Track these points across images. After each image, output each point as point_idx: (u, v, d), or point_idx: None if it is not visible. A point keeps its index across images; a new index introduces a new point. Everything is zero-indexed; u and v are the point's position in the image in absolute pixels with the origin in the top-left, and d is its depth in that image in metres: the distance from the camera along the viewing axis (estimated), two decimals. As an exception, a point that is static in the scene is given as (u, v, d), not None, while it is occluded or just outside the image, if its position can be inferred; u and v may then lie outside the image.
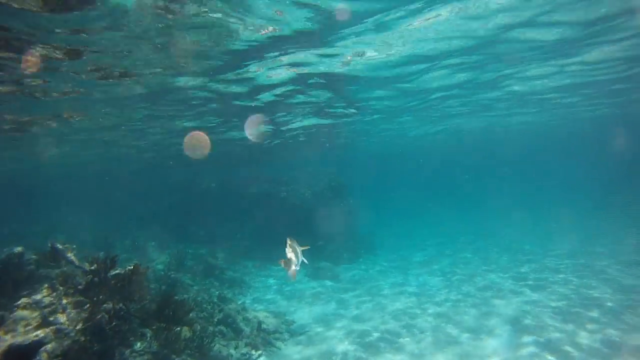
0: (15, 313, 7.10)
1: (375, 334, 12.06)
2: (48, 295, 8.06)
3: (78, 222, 26.63)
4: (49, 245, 8.82)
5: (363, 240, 26.13)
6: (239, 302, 15.48)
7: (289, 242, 5.95)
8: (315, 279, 18.94)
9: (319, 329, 12.80)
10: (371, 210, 41.80)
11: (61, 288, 8.03)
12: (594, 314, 12.10)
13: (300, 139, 24.77)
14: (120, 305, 7.59)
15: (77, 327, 6.98)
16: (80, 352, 6.69)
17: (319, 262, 20.15)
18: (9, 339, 6.61)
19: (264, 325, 12.35)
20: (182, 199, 26.13)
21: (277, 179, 24.30)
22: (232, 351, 11.10)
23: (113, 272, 8.32)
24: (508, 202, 43.23)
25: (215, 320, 12.31)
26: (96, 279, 7.58)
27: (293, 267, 5.81)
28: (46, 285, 8.38)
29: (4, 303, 7.88)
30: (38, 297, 8.01)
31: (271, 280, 19.20)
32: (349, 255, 22.43)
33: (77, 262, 8.70)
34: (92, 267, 7.69)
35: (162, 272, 17.14)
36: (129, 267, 8.13)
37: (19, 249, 11.40)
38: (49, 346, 6.58)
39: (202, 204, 25.50)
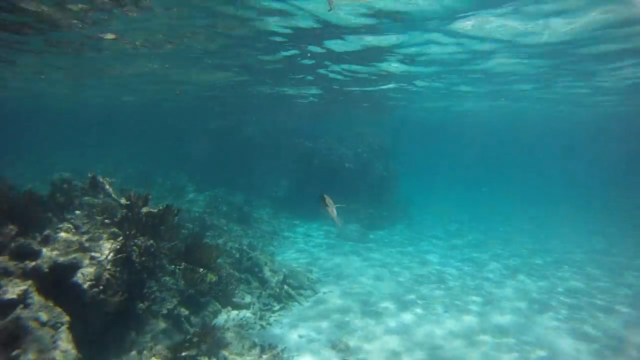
0: (59, 235, 7.45)
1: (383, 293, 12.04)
2: (87, 223, 8.41)
3: (126, 157, 27.70)
4: (89, 176, 9.12)
5: (401, 208, 25.79)
6: (268, 253, 15.80)
7: (325, 197, 7.39)
8: (347, 240, 18.96)
9: (340, 288, 12.89)
10: (420, 182, 41.16)
11: (98, 218, 8.32)
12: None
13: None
14: (150, 242, 7.79)
15: (109, 257, 7.25)
16: (111, 280, 6.97)
17: (351, 224, 20.12)
18: (54, 256, 6.96)
19: (289, 279, 12.54)
20: (224, 144, 26.49)
21: (320, 136, 24.06)
22: (255, 300, 11.39)
23: (145, 210, 8.51)
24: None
25: (243, 267, 12.61)
26: (130, 213, 7.77)
27: (335, 213, 7.27)
28: (86, 213, 8.73)
29: (51, 222, 8.32)
30: (79, 223, 8.37)
31: (302, 235, 19.41)
32: (384, 221, 22.24)
33: (114, 195, 8.96)
34: (127, 202, 7.88)
35: (197, 214, 17.64)
36: (160, 207, 8.28)
37: (67, 174, 11.97)
38: (85, 270, 6.88)
39: (243, 152, 25.79)
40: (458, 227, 24.59)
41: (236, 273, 12.07)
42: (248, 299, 11.28)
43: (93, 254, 7.25)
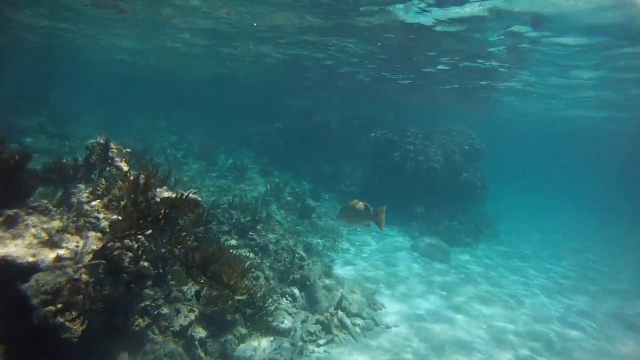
0: (29, 218, 5.32)
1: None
2: (90, 202, 6.27)
3: (194, 129, 26.45)
4: (100, 141, 6.94)
5: (488, 221, 21.93)
6: (326, 261, 13.14)
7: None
8: (424, 257, 15.73)
9: (411, 323, 9.85)
10: (508, 190, 36.21)
11: (96, 202, 6.12)
12: None
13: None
14: (152, 245, 5.42)
15: (86, 259, 4.98)
16: (76, 295, 4.68)
17: (430, 237, 16.82)
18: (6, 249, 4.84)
19: (345, 303, 9.79)
20: (297, 127, 24.15)
21: (407, 129, 20.78)
22: (298, 325, 8.78)
23: (162, 195, 6.16)
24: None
25: (291, 279, 10.06)
26: (133, 196, 5.43)
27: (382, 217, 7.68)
28: (90, 190, 6.59)
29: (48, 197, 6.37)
30: (71, 202, 6.26)
31: (370, 240, 16.46)
32: (468, 237, 18.63)
33: (125, 168, 6.73)
34: (132, 181, 5.54)
35: (254, 200, 15.44)
36: (181, 193, 5.87)
37: (102, 140, 10.11)
38: (41, 277, 4.66)
39: (316, 137, 23.28)
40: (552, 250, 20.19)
41: (280, 287, 9.54)
42: (289, 322, 8.70)
43: (62, 252, 5.01)
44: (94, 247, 5.15)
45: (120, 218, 5.27)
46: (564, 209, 38.08)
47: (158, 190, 6.37)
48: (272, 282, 9.43)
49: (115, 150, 6.64)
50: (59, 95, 26.74)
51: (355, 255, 14.52)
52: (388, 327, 9.78)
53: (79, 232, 5.47)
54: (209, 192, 16.23)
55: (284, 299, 9.40)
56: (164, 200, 5.89)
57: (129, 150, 8.90)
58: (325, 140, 23.70)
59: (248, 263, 6.57)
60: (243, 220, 11.76)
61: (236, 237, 10.77)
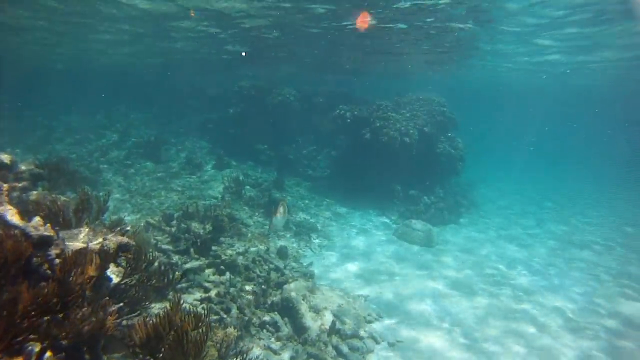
0: None
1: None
2: None
3: (139, 122, 23.56)
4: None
5: (468, 194, 20.89)
6: (305, 264, 11.37)
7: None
8: (412, 243, 14.25)
9: (408, 349, 8.31)
10: (485, 158, 35.37)
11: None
12: None
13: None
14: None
15: None
16: None
17: (410, 219, 15.36)
18: None
19: (338, 324, 8.08)
20: (251, 110, 21.83)
21: (372, 104, 18.98)
22: (286, 363, 7.00)
23: (73, 246, 4.13)
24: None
25: (269, 302, 8.21)
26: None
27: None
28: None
29: None
30: None
31: (353, 233, 14.74)
32: (449, 214, 17.37)
33: (10, 215, 4.56)
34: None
35: (214, 202, 13.37)
36: (99, 241, 3.83)
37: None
38: None
39: (273, 120, 21.08)
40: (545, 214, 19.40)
41: (256, 316, 7.69)
42: (274, 363, 6.91)
43: None
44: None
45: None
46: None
47: (69, 233, 4.29)
48: (246, 311, 7.55)
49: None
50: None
51: (338, 252, 12.79)
52: (391, 344, 8.20)
53: None
54: (159, 198, 13.97)
55: (264, 330, 7.58)
56: (65, 260, 3.80)
57: (34, 166, 6.66)
58: (284, 122, 21.56)
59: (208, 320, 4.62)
60: (202, 232, 9.74)
61: (196, 256, 8.77)
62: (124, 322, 4.73)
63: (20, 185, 6.11)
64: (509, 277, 12.10)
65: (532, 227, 18.25)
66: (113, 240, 3.92)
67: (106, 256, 3.82)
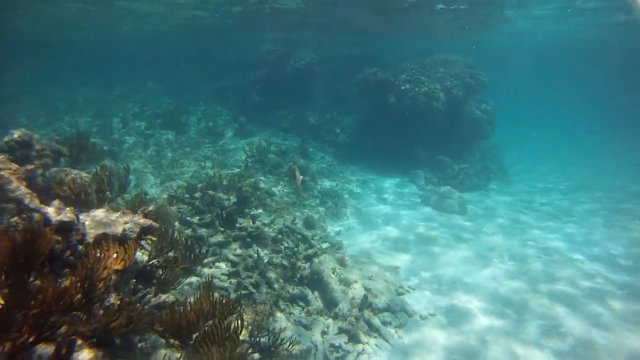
0: None
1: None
2: None
3: (159, 91, 23.28)
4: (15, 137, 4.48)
5: (498, 160, 20.20)
6: (333, 234, 11.13)
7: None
8: (436, 208, 13.85)
9: (447, 319, 8.04)
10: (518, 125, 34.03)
11: None
12: None
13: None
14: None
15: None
16: None
17: (439, 186, 14.88)
18: None
19: (370, 297, 7.85)
20: (273, 75, 21.24)
21: (397, 66, 18.14)
22: (318, 339, 6.85)
23: (94, 233, 3.88)
24: None
25: (298, 276, 8.01)
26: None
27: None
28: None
29: None
30: None
31: (380, 200, 14.33)
32: (478, 179, 16.78)
33: (27, 199, 4.32)
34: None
35: (236, 173, 13.12)
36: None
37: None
38: None
39: (295, 85, 20.48)
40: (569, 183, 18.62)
41: (286, 289, 7.50)
42: (306, 341, 6.75)
43: None
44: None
45: None
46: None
47: (91, 216, 4.03)
48: (275, 286, 7.37)
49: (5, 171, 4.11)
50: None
51: (366, 223, 12.49)
52: (423, 317, 7.96)
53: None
54: (182, 169, 13.82)
55: (294, 305, 7.41)
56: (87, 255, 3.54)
57: (55, 142, 6.44)
58: (306, 87, 20.95)
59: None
60: (227, 203, 9.53)
61: (221, 229, 8.58)
62: (153, 301, 4.57)
63: (41, 162, 5.91)
64: (548, 245, 11.62)
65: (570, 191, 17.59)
66: (137, 223, 3.64)
67: (130, 244, 3.56)
